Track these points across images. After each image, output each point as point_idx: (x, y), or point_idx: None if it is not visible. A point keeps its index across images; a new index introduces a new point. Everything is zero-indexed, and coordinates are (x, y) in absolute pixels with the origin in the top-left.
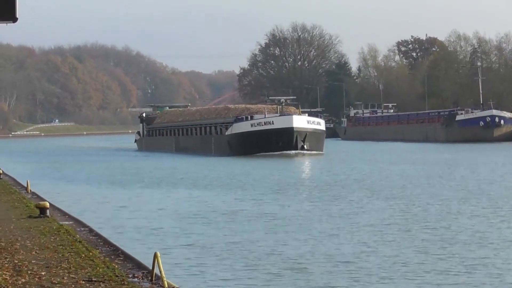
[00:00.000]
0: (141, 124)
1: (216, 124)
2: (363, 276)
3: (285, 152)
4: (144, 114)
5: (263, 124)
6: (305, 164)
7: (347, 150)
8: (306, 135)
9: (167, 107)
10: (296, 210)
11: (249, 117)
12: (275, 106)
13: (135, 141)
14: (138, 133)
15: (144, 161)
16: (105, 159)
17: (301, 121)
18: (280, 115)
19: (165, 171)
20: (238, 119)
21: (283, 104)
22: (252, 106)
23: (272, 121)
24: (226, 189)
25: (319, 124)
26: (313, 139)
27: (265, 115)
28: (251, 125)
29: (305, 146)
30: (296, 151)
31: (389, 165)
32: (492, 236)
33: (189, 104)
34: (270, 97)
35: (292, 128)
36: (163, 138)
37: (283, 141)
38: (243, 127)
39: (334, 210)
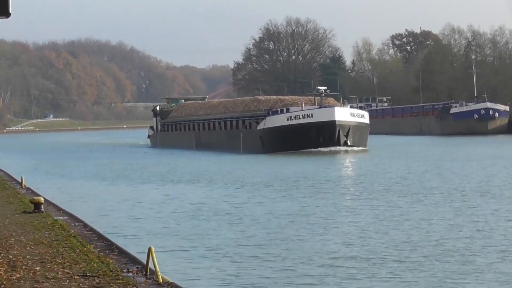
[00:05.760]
0: (154, 118)
1: (245, 118)
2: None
3: (326, 148)
4: (158, 108)
5: (301, 117)
6: (352, 161)
7: (383, 145)
8: (350, 129)
9: (183, 100)
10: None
11: (284, 109)
12: (311, 97)
13: (148, 136)
14: (152, 128)
15: (176, 159)
16: (126, 156)
17: (343, 114)
18: (319, 107)
19: (206, 172)
20: (272, 112)
21: (323, 95)
22: (286, 97)
23: (311, 114)
24: (253, 188)
25: (363, 117)
26: (357, 134)
27: (302, 107)
28: (287, 119)
29: (348, 141)
30: (339, 147)
31: (445, 162)
32: None
33: (207, 97)
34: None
35: (334, 121)
36: (181, 134)
37: (324, 136)
38: (278, 120)
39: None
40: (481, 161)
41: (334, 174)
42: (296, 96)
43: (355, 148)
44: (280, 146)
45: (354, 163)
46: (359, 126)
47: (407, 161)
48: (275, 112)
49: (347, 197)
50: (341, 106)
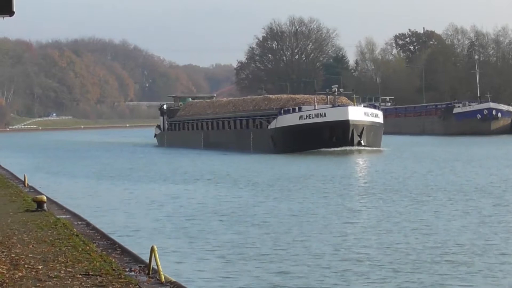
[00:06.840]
0: (161, 117)
1: (256, 117)
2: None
3: (339, 148)
4: (165, 106)
5: (313, 116)
6: (364, 162)
7: (387, 144)
8: (364, 129)
9: (190, 98)
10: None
11: (296, 108)
12: (323, 96)
13: (155, 135)
14: (158, 127)
15: (183, 158)
16: (129, 155)
17: (357, 113)
18: (332, 106)
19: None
20: (284, 111)
21: (336, 93)
22: (298, 96)
23: (324, 113)
24: (253, 188)
25: (377, 116)
26: (371, 134)
27: (315, 106)
28: (299, 118)
29: (362, 141)
30: (352, 147)
31: (452, 162)
32: None
33: (215, 95)
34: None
35: (348, 121)
36: (189, 133)
37: (337, 136)
38: (290, 120)
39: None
40: (488, 162)
41: (345, 175)
42: (308, 95)
43: (369, 148)
44: (292, 146)
45: (367, 163)
46: (373, 125)
47: (423, 162)
48: (287, 111)
49: (353, 198)
50: (354, 105)
